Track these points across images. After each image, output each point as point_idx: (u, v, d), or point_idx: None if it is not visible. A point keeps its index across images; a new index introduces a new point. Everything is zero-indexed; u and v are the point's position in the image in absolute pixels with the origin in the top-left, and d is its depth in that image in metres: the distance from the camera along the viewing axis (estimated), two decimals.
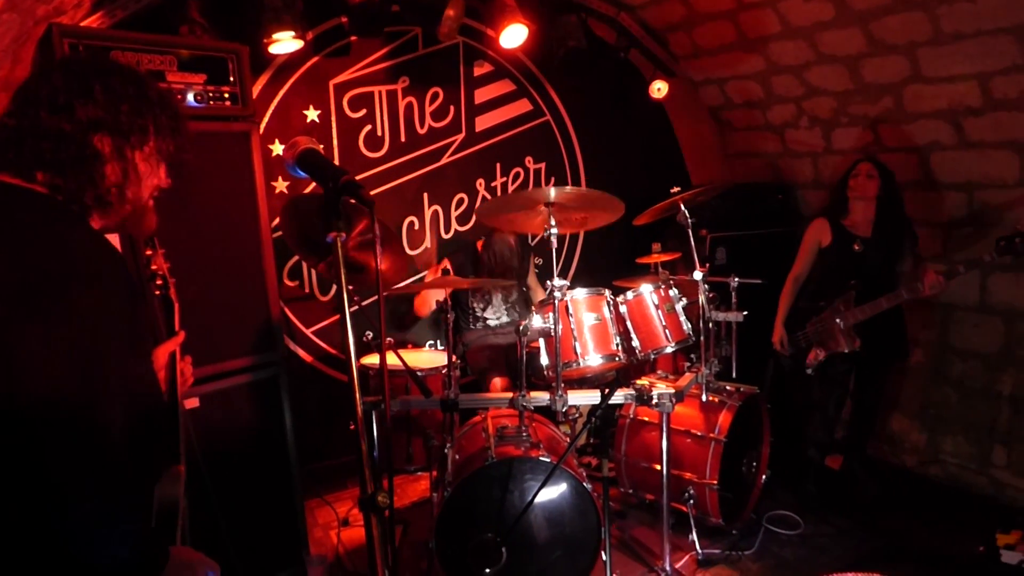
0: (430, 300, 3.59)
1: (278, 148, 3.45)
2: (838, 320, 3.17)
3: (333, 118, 3.61)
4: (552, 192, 2.42)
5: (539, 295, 3.88)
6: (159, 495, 1.34)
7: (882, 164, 3.26)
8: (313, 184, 3.50)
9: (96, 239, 1.17)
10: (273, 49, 3.14)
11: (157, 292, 1.72)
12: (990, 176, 3.35)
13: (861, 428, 3.46)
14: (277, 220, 3.10)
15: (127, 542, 1.07)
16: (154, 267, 1.71)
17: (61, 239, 1.11)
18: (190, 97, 2.34)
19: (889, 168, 3.26)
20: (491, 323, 3.78)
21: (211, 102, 2.39)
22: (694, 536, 2.93)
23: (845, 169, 3.33)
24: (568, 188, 2.45)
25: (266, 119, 3.41)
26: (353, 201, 1.20)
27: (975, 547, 2.53)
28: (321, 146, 1.33)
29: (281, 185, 3.49)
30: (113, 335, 1.11)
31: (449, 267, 3.88)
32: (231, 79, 2.45)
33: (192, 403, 2.38)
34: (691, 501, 2.94)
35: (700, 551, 2.90)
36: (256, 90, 3.32)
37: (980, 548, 2.51)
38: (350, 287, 1.20)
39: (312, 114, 3.55)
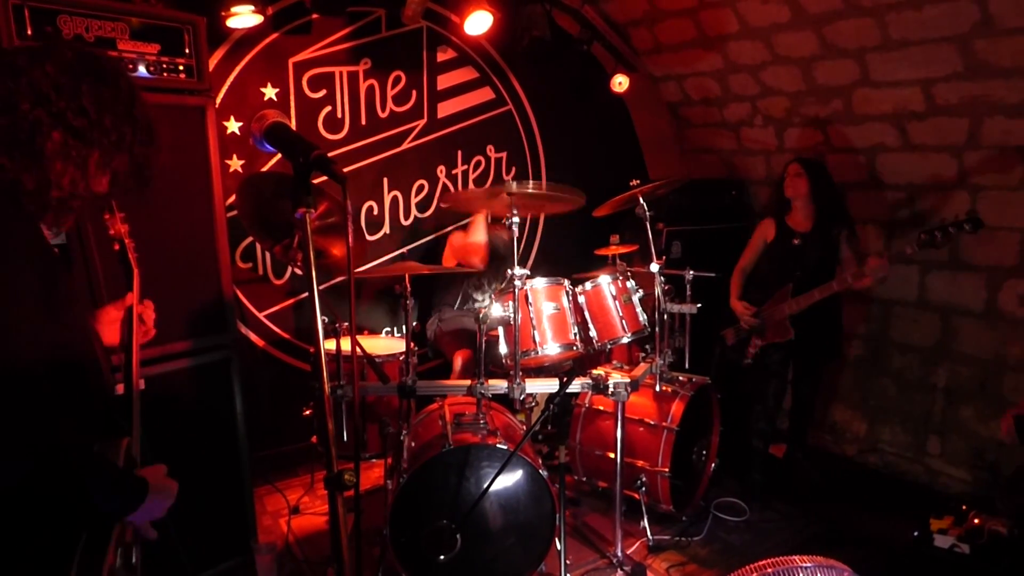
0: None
1: (234, 125, 3.34)
2: (775, 311, 3.29)
3: (292, 97, 3.52)
4: (514, 186, 2.42)
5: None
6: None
7: (811, 162, 3.35)
8: (270, 163, 3.43)
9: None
10: (231, 23, 3.04)
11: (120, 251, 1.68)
12: (929, 178, 3.50)
13: (799, 420, 3.58)
14: (232, 199, 3.01)
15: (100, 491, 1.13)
16: (112, 232, 1.66)
17: None
18: (142, 68, 2.24)
19: (820, 166, 3.36)
20: (479, 306, 3.77)
21: (164, 74, 2.29)
22: (645, 523, 2.99)
23: (783, 170, 3.42)
24: (531, 183, 2.47)
25: (221, 95, 3.29)
26: (318, 181, 1.18)
27: (910, 532, 2.64)
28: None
29: (236, 163, 3.38)
30: (18, 304, 1.08)
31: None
32: (186, 51, 2.35)
33: (139, 385, 2.30)
34: (643, 488, 3.00)
35: (651, 537, 2.97)
36: (212, 64, 3.20)
37: (915, 532, 2.63)
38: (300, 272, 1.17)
39: (270, 92, 3.44)
